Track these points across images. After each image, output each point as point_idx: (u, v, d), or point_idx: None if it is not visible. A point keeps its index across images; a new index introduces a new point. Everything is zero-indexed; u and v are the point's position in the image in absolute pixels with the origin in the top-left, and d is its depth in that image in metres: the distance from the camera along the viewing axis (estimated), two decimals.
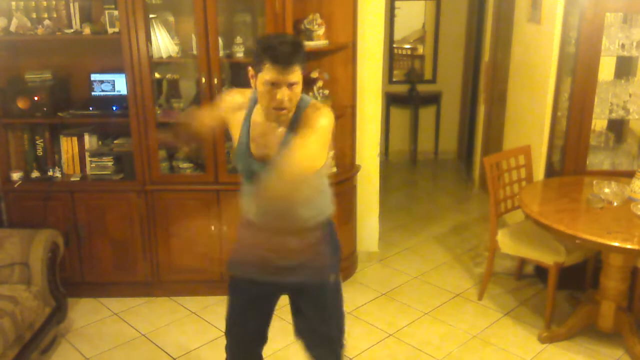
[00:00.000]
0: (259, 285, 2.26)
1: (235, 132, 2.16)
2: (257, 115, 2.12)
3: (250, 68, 2.03)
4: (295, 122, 2.06)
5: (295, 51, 1.95)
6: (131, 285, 3.75)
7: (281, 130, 2.08)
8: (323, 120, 2.03)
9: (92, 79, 3.59)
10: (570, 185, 3.53)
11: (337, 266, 2.31)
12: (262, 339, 2.43)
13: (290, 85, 1.96)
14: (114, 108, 3.57)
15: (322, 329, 2.32)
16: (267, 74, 1.94)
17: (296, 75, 1.96)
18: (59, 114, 3.54)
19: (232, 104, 2.18)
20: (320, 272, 2.24)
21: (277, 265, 2.18)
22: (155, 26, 3.46)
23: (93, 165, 3.64)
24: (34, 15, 3.49)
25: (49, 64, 3.65)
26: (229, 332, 2.41)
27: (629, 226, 2.91)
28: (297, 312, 2.35)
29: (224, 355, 2.34)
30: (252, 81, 2.04)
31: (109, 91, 3.59)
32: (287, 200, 2.04)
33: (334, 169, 3.74)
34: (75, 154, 3.64)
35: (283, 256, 2.17)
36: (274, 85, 1.95)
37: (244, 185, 2.21)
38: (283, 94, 1.95)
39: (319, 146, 2.02)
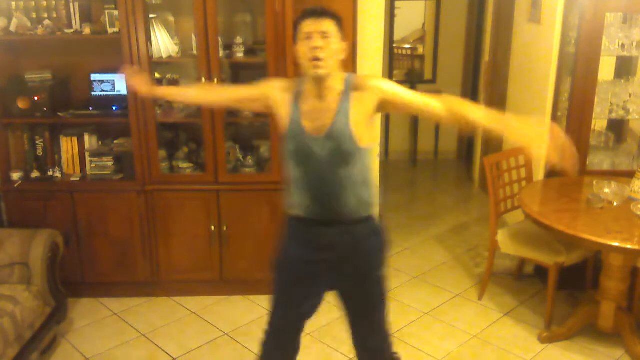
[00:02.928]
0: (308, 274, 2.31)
1: (284, 111, 2.22)
2: (308, 92, 2.19)
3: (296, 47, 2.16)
4: (348, 92, 2.15)
5: (327, 9, 2.11)
6: (131, 285, 3.75)
7: (334, 99, 2.15)
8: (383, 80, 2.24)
9: (92, 79, 3.59)
10: (570, 185, 3.53)
11: (384, 261, 2.36)
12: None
13: (323, 34, 2.06)
14: (114, 108, 3.57)
15: (372, 322, 2.38)
16: (303, 29, 2.09)
17: (328, 25, 2.08)
18: (59, 114, 3.54)
19: (277, 86, 2.28)
20: (368, 266, 2.30)
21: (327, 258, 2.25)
22: (155, 26, 3.47)
23: (93, 165, 3.64)
24: (34, 15, 3.49)
25: (49, 64, 3.65)
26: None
27: (629, 226, 2.91)
28: (348, 312, 2.39)
29: (223, 355, 2.33)
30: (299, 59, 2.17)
31: (109, 91, 3.59)
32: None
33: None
34: (75, 154, 3.64)
35: (332, 248, 2.24)
36: (309, 37, 2.08)
37: (296, 174, 2.22)
38: (317, 41, 2.06)
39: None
